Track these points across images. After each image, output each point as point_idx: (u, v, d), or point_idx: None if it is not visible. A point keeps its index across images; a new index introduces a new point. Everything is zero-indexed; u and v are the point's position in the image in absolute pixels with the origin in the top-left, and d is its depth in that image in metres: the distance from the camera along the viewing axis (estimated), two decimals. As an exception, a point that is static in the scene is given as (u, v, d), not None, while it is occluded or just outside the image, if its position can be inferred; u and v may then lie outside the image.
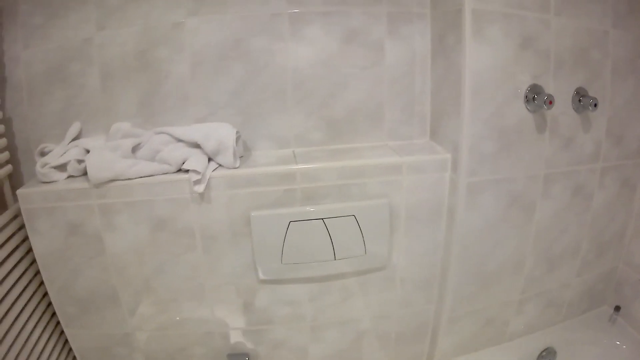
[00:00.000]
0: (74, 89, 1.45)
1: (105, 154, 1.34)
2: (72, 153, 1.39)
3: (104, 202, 1.34)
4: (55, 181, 1.37)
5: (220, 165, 1.28)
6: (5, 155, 1.44)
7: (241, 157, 1.31)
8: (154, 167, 1.32)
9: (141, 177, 1.32)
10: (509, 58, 1.20)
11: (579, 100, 1.33)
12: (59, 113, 1.48)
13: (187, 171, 1.31)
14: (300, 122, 1.37)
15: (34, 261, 1.46)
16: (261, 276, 1.32)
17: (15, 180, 1.52)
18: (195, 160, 1.30)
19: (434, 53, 1.35)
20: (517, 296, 1.65)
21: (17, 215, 1.43)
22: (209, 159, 1.35)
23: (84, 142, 1.42)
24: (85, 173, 1.37)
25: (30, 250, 1.45)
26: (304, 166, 1.26)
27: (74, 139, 1.45)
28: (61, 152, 1.41)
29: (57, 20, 1.41)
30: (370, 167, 1.28)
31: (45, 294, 1.51)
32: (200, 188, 1.28)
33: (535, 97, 1.25)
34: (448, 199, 1.33)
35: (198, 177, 1.28)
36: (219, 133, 1.34)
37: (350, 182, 1.28)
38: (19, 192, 1.35)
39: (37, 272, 1.48)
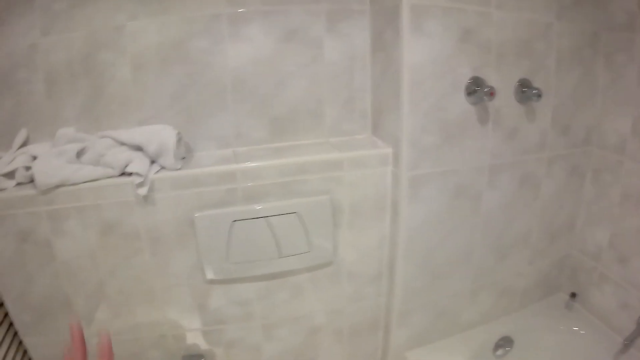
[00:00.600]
0: (20, 96, 1.46)
1: (51, 160, 1.36)
2: (20, 160, 1.41)
3: (52, 208, 1.36)
4: (4, 189, 1.39)
5: (162, 167, 1.28)
6: None
7: (183, 158, 1.32)
8: (99, 172, 1.35)
9: (87, 181, 1.34)
10: (448, 51, 1.23)
11: (522, 91, 1.35)
12: (6, 121, 1.49)
13: (130, 174, 1.34)
14: (241, 121, 1.39)
15: None
16: (209, 276, 1.34)
17: None
18: (138, 163, 1.33)
19: (374, 49, 1.37)
20: (469, 286, 1.70)
21: None
22: (152, 162, 1.39)
23: (32, 148, 1.44)
24: (32, 180, 1.39)
25: None
26: (245, 165, 1.28)
27: (21, 146, 1.47)
28: (9, 159, 1.43)
29: (2, 26, 1.42)
30: (311, 163, 1.30)
31: (1, 304, 1.53)
32: (143, 191, 1.32)
33: (477, 89, 1.27)
34: (391, 193, 1.36)
35: (140, 179, 1.31)
36: (160, 135, 1.37)
37: (292, 180, 1.30)
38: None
39: None
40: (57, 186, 1.33)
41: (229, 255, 1.32)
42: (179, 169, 1.37)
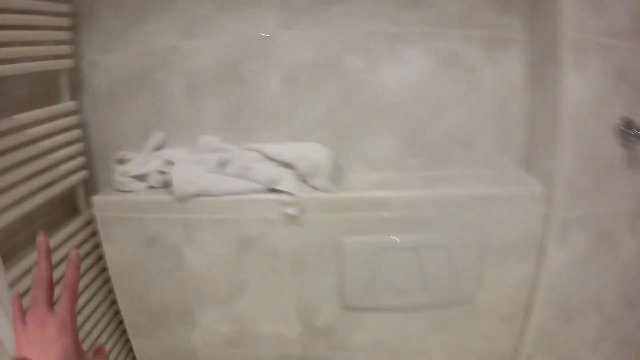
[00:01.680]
0: (156, 97, 1.48)
1: (191, 168, 1.36)
2: (154, 164, 1.42)
3: (186, 216, 1.36)
4: (134, 191, 1.41)
5: (313, 187, 1.28)
6: (81, 160, 1.48)
7: (334, 180, 1.32)
8: (243, 185, 1.34)
9: (228, 194, 1.34)
10: (604, 90, 1.18)
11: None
12: (139, 121, 1.50)
13: (277, 191, 1.32)
14: (392, 145, 1.38)
15: (104, 269, 1.51)
16: (348, 302, 1.33)
17: (90, 185, 1.56)
18: (289, 182, 1.32)
19: (530, 81, 1.34)
20: (595, 334, 1.70)
21: (90, 221, 1.48)
22: (302, 180, 1.37)
23: (167, 153, 1.44)
24: (166, 185, 1.40)
25: (101, 257, 1.49)
26: (399, 193, 1.27)
27: (155, 149, 1.47)
28: (142, 161, 1.44)
29: (140, 26, 1.44)
30: (463, 197, 1.28)
31: (114, 302, 1.55)
32: (293, 211, 1.31)
33: (628, 130, 1.21)
34: (540, 233, 1.33)
35: (291, 199, 1.31)
36: (313, 154, 1.35)
37: (443, 212, 1.28)
38: (95, 199, 1.39)
39: (107, 280, 1.52)
40: (196, 195, 1.32)
41: (372, 283, 1.32)
42: (331, 191, 1.35)
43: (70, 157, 1.43)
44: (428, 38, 1.38)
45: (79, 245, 1.43)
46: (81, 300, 1.40)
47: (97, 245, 1.48)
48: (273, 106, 1.38)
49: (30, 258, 1.13)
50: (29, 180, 1.16)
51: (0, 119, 1.12)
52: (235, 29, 1.38)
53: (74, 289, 0.58)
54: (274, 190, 1.31)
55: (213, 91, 1.38)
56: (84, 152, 1.49)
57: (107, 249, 1.38)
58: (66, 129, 1.41)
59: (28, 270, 1.09)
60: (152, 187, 1.41)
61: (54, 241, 1.23)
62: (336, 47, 1.32)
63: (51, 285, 0.57)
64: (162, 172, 1.40)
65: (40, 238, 0.58)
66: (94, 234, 1.48)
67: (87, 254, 1.47)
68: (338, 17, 1.36)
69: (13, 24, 1.17)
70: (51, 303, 0.56)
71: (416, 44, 1.35)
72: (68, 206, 1.48)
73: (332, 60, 1.33)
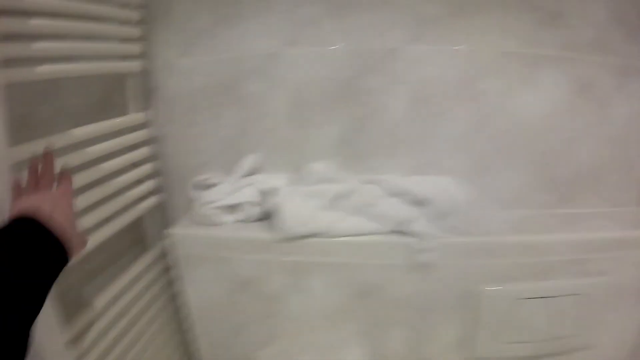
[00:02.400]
0: (250, 112, 1.28)
1: (301, 203, 1.17)
2: (248, 193, 1.22)
3: (292, 259, 1.18)
4: (220, 224, 1.22)
5: (447, 229, 1.13)
6: (151, 184, 1.26)
7: (470, 220, 1.16)
8: (364, 225, 1.15)
9: (347, 235, 1.15)
10: None
11: None
12: (227, 138, 1.31)
13: (406, 233, 1.15)
14: (525, 181, 1.26)
15: (177, 308, 1.34)
16: (479, 353, 1.21)
17: (162, 213, 1.36)
18: (421, 222, 1.14)
19: None
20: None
21: (162, 255, 1.29)
22: (435, 221, 1.19)
23: (263, 180, 1.24)
24: (262, 219, 1.23)
25: (174, 296, 1.33)
26: (541, 238, 1.15)
27: (248, 174, 1.28)
28: (231, 189, 1.23)
29: (229, 26, 1.24)
30: (600, 240, 1.16)
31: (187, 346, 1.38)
32: (426, 257, 1.13)
33: None
34: None
35: (424, 243, 1.13)
36: (448, 190, 1.18)
37: (580, 257, 1.16)
38: (170, 232, 1.19)
39: (180, 322, 1.37)
40: (308, 236, 1.14)
41: (504, 333, 1.20)
42: (468, 234, 1.18)
43: (139, 180, 1.22)
44: (563, 63, 1.25)
45: (149, 284, 1.25)
46: (149, 343, 1.26)
47: (170, 283, 1.30)
48: (396, 130, 1.23)
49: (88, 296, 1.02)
50: (90, 211, 1.02)
51: (52, 132, 0.91)
52: (351, 37, 1.21)
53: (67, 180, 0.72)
54: (401, 232, 1.15)
55: (324, 109, 1.22)
56: (156, 174, 1.29)
57: (189, 290, 1.23)
58: (134, 146, 1.20)
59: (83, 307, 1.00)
60: (241, 220, 1.23)
61: (117, 278, 1.14)
62: (468, 66, 1.18)
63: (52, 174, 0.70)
64: (256, 204, 1.22)
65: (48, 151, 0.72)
66: (167, 269, 1.29)
67: (159, 294, 1.29)
68: (472, 32, 1.21)
69: (68, 12, 0.96)
70: (52, 183, 0.68)
71: (551, 68, 1.23)
72: (135, 236, 1.30)
73: (463, 80, 1.18)
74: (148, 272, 1.23)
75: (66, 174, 0.73)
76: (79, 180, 0.98)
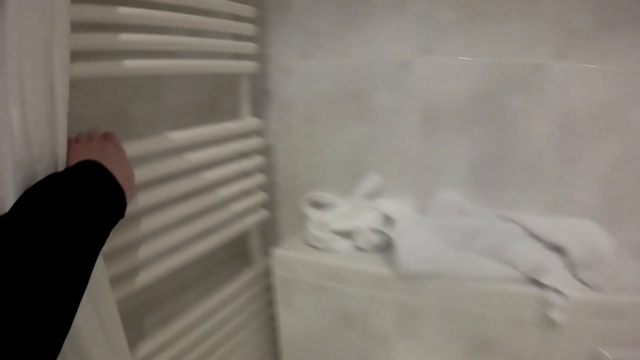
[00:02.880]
0: (375, 126, 1.18)
1: (426, 237, 1.06)
2: (368, 218, 1.12)
3: (406, 299, 1.06)
4: (333, 250, 1.13)
5: (583, 282, 0.98)
6: (260, 196, 1.19)
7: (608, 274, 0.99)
8: (493, 269, 1.02)
9: (473, 280, 1.02)
10: None
11: None
12: (348, 154, 1.21)
13: (539, 283, 1.00)
14: None
15: (273, 330, 1.27)
16: None
17: (269, 229, 1.31)
18: (559, 274, 0.99)
19: None
20: None
21: (266, 273, 1.23)
22: (571, 271, 1.04)
23: (385, 204, 1.15)
24: (380, 250, 1.12)
25: (272, 317, 1.26)
26: None
27: (368, 197, 1.19)
28: (349, 211, 1.15)
29: (356, 28, 1.14)
30: None
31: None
32: (560, 316, 0.97)
33: None
34: None
35: (560, 299, 0.97)
36: (590, 237, 1.02)
37: None
38: (275, 252, 1.12)
39: (275, 343, 1.30)
40: (428, 276, 1.01)
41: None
42: (606, 290, 1.00)
43: (248, 192, 1.17)
44: None
45: (248, 302, 1.21)
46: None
47: (270, 303, 1.23)
48: (538, 161, 1.08)
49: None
50: (193, 221, 0.98)
51: (154, 134, 0.87)
52: (492, 48, 1.06)
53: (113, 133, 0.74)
54: (533, 281, 1.00)
55: (458, 128, 1.10)
56: (266, 186, 1.22)
57: (284, 316, 1.16)
58: (244, 154, 1.14)
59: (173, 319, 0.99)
60: (359, 248, 1.13)
61: (218, 289, 1.10)
62: (617, 89, 1.01)
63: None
64: (376, 231, 1.11)
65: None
66: (268, 288, 1.23)
67: (255, 314, 1.24)
68: (622, 49, 1.02)
69: (176, 3, 0.89)
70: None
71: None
72: (238, 249, 1.25)
73: (610, 106, 1.02)
74: (248, 290, 1.19)
75: (112, 135, 0.74)
76: (181, 186, 0.96)
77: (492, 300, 1.01)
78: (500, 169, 1.11)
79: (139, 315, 1.04)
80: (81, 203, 0.51)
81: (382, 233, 1.10)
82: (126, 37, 0.80)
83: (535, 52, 1.03)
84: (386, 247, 1.09)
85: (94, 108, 0.90)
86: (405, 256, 1.01)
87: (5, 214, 0.47)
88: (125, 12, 0.79)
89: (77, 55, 0.69)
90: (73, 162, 0.59)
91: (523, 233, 1.05)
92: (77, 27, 0.69)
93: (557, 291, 0.96)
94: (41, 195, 0.50)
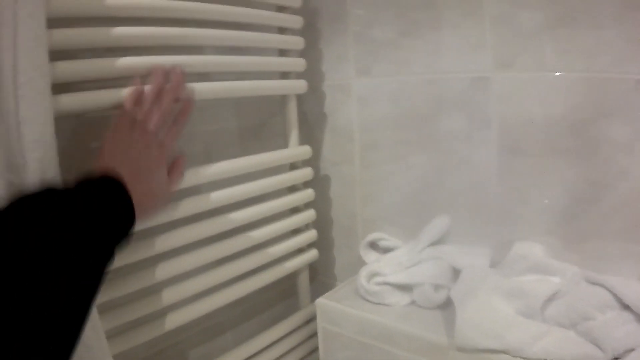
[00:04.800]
0: (445, 157, 1.08)
1: (494, 304, 0.95)
2: (431, 272, 1.04)
3: None
4: (387, 305, 1.07)
5: None
6: (311, 235, 1.14)
7: None
8: (571, 347, 0.89)
9: (544, 359, 0.89)
10: None
11: None
12: (411, 190, 1.13)
13: None
14: None
15: None
16: None
17: (321, 268, 1.27)
18: None
19: None
20: None
21: (311, 320, 1.18)
22: None
23: (451, 253, 1.06)
24: (440, 307, 1.04)
25: None
26: None
27: (433, 242, 1.09)
28: (410, 259, 1.08)
29: (421, 37, 1.05)
30: None
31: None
32: None
33: None
34: None
35: None
36: None
37: None
38: (318, 302, 1.08)
39: None
40: (492, 352, 0.90)
41: None
42: None
43: (296, 230, 1.12)
44: None
45: (291, 348, 1.18)
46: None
47: (314, 350, 1.18)
48: (638, 207, 0.92)
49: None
50: (236, 259, 0.98)
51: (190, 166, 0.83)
52: (583, 60, 0.91)
53: (184, 121, 0.75)
54: None
55: (545, 163, 0.98)
56: (318, 223, 1.18)
57: None
58: (293, 189, 1.11)
59: None
60: (416, 304, 1.06)
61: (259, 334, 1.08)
62: None
63: (167, 112, 0.71)
64: (439, 288, 1.04)
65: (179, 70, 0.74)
66: (313, 336, 1.18)
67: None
68: None
69: (208, 17, 0.86)
70: (158, 130, 0.69)
71: None
72: (289, 292, 1.23)
73: None
74: (292, 335, 1.16)
75: (187, 107, 0.75)
76: (223, 224, 0.97)
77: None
78: (594, 215, 0.98)
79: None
80: (81, 229, 0.51)
81: (444, 288, 1.02)
82: (145, 61, 0.79)
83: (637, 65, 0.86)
84: (449, 305, 1.01)
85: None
86: (466, 329, 0.91)
87: None
88: (144, 32, 0.79)
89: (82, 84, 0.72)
90: (104, 155, 0.63)
91: (613, 302, 0.92)
92: (83, 52, 0.71)
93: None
94: (38, 215, 0.48)
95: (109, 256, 0.55)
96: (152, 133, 0.68)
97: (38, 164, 0.60)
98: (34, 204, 0.49)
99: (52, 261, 0.45)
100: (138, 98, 0.70)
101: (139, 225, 0.65)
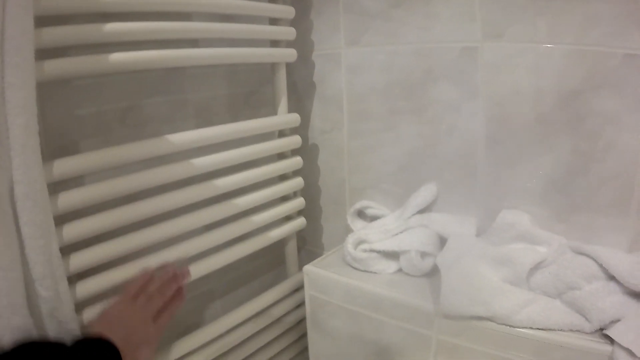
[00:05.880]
0: (434, 126, 1.10)
1: (481, 270, 0.97)
2: (417, 239, 1.05)
3: (451, 341, 1.00)
4: (374, 272, 1.09)
5: None
6: (298, 202, 1.17)
7: None
8: (557, 316, 0.92)
9: (528, 327, 0.93)
10: None
11: None
12: (400, 158, 1.15)
13: (607, 338, 0.88)
14: None
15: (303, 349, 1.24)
16: None
17: (310, 237, 1.28)
18: (631, 329, 0.87)
19: None
20: None
21: (298, 288, 1.22)
22: None
23: (437, 220, 1.08)
24: (428, 274, 1.06)
25: (303, 335, 1.24)
26: None
27: (420, 210, 1.11)
28: (397, 227, 1.09)
29: (411, 7, 1.06)
30: None
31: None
32: None
33: None
34: None
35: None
36: None
37: None
38: (306, 269, 1.10)
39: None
40: (477, 319, 0.94)
41: None
42: None
43: (284, 197, 1.15)
44: None
45: (279, 316, 1.21)
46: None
47: (302, 319, 1.21)
48: (633, 177, 0.95)
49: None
50: (224, 224, 1.02)
51: (175, 132, 0.88)
52: (575, 30, 0.94)
53: (175, 310, 0.80)
54: (604, 335, 0.90)
55: (534, 133, 1.00)
56: (306, 191, 1.19)
57: (313, 337, 1.13)
58: (282, 156, 1.13)
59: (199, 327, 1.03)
60: (403, 272, 1.09)
61: (248, 300, 1.12)
62: None
63: (165, 301, 0.78)
64: (425, 255, 1.06)
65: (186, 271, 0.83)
66: (301, 304, 1.21)
67: (288, 329, 1.24)
68: None
69: None
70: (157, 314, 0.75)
71: None
72: (277, 260, 1.26)
73: None
74: (279, 304, 1.19)
75: (171, 309, 0.79)
76: (211, 189, 0.98)
77: (551, 352, 0.93)
78: (584, 187, 1.00)
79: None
80: None
81: (432, 255, 1.04)
82: (135, 27, 0.80)
83: (630, 37, 0.89)
84: (435, 272, 1.02)
85: (99, 106, 0.91)
86: (452, 296, 0.93)
87: None
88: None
89: (72, 50, 0.71)
90: (102, 322, 0.68)
91: (599, 272, 0.94)
92: (71, 18, 0.71)
93: (630, 353, 0.86)
94: None
95: None
96: (151, 312, 0.74)
97: (22, 130, 0.62)
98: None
99: None
100: (145, 283, 0.77)
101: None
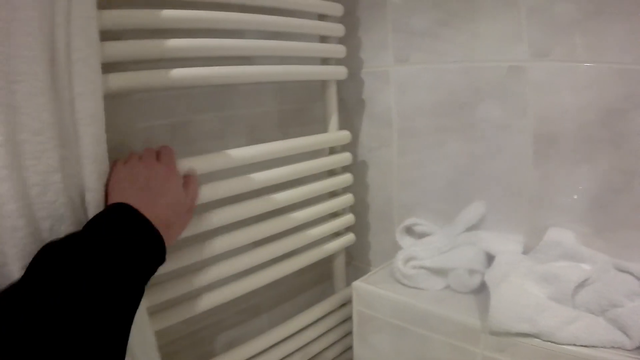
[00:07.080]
0: (481, 145, 1.13)
1: (527, 288, 1.00)
2: (466, 257, 1.08)
3: (493, 356, 1.01)
4: (422, 289, 1.12)
5: None
6: (348, 219, 1.20)
7: None
8: (599, 333, 0.93)
9: (573, 344, 0.94)
10: None
11: None
12: (448, 176, 1.18)
13: None
14: None
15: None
16: None
17: (358, 253, 1.32)
18: None
19: None
20: None
21: (346, 303, 1.24)
22: None
23: (486, 238, 1.11)
24: (476, 291, 1.09)
25: (349, 348, 1.25)
26: None
27: (468, 227, 1.14)
28: (446, 244, 1.12)
29: (458, 26, 1.09)
30: None
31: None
32: None
33: None
34: None
35: None
36: None
37: None
38: (355, 285, 1.13)
39: None
40: (525, 336, 0.96)
41: None
42: None
43: (334, 213, 1.18)
44: None
45: (325, 331, 1.25)
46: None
47: (348, 333, 1.25)
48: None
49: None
50: (272, 242, 1.04)
51: (225, 148, 0.92)
52: (621, 51, 0.96)
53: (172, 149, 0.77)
54: None
55: (578, 151, 1.02)
56: (356, 208, 1.24)
57: (359, 352, 1.17)
58: (332, 173, 1.17)
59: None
60: (452, 289, 1.12)
61: (294, 315, 1.14)
62: None
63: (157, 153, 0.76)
64: (474, 272, 1.09)
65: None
66: (347, 319, 1.25)
67: (334, 343, 1.27)
68: None
69: (250, 3, 0.92)
70: (156, 158, 0.75)
71: None
72: (321, 272, 1.30)
73: None
74: (326, 318, 1.21)
75: (169, 152, 0.76)
76: (262, 206, 1.01)
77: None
78: (624, 204, 1.01)
79: (198, 341, 1.10)
80: (109, 264, 0.54)
81: (479, 272, 1.06)
82: (193, 43, 0.85)
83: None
84: (482, 289, 1.05)
85: (150, 121, 0.96)
86: (499, 312, 0.95)
87: (23, 278, 0.50)
88: (190, 15, 0.84)
89: (120, 65, 0.76)
90: (110, 194, 0.65)
91: None
92: (130, 33, 0.76)
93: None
94: (61, 260, 0.52)
95: (140, 285, 0.60)
96: (150, 159, 0.74)
97: (92, 138, 0.66)
98: (63, 255, 0.53)
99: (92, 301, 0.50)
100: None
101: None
